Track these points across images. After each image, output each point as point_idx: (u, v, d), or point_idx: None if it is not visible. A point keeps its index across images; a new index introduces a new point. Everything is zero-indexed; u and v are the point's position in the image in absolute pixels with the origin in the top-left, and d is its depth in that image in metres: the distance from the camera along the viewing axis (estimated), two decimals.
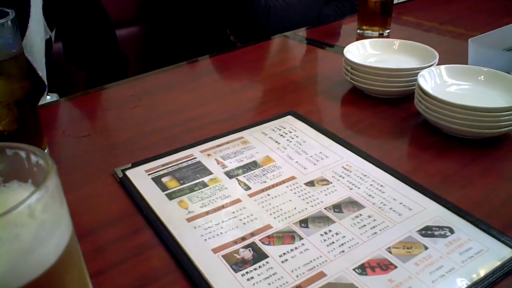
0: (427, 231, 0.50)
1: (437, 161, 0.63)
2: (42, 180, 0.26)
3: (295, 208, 0.54)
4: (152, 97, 0.83)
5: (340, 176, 0.59)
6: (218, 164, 0.62)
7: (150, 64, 1.51)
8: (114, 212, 0.55)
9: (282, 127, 0.70)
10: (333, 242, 0.49)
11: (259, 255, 0.47)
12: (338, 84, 0.84)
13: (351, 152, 0.64)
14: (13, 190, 0.29)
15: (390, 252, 0.47)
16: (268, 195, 0.56)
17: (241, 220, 0.52)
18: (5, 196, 0.29)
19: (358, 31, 1.11)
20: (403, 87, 0.76)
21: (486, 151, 0.64)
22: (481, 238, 0.49)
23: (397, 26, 1.13)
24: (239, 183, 0.58)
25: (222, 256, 0.47)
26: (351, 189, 0.57)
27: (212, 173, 0.60)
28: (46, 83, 0.98)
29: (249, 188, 0.57)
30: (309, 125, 0.70)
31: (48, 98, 1.02)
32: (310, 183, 0.58)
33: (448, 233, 0.49)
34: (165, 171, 0.61)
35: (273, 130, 0.70)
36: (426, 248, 0.48)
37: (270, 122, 0.72)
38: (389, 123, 0.72)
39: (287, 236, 0.50)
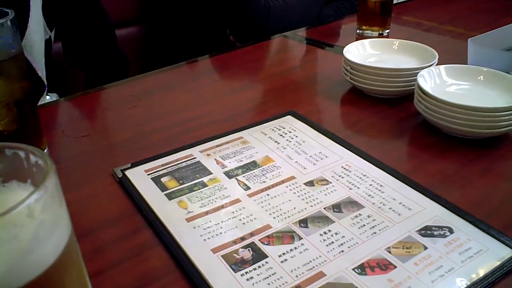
0: (427, 231, 0.50)
1: (437, 161, 0.63)
2: (41, 180, 0.26)
3: (294, 208, 0.54)
4: (151, 97, 0.83)
5: (340, 176, 0.59)
6: (218, 164, 0.62)
7: (149, 64, 1.51)
8: (113, 212, 0.55)
9: (281, 127, 0.70)
10: (332, 242, 0.49)
11: (259, 255, 0.47)
12: (338, 84, 0.84)
13: (350, 152, 0.64)
14: (12, 190, 0.29)
15: (390, 252, 0.47)
16: (268, 195, 0.56)
17: (240, 220, 0.52)
18: (4, 196, 0.29)
19: (358, 31, 1.11)
20: (402, 87, 0.76)
21: (485, 151, 0.64)
22: (480, 238, 0.49)
23: (397, 26, 1.13)
24: (238, 183, 0.58)
25: (222, 256, 0.47)
26: (350, 189, 0.57)
27: (211, 173, 0.60)
28: (46, 83, 0.98)
29: (248, 188, 0.57)
30: (308, 125, 0.70)
31: (48, 98, 1.02)
32: (310, 183, 0.58)
33: (448, 233, 0.49)
34: (165, 171, 0.61)
35: (273, 130, 0.70)
36: (425, 248, 0.48)
37: (270, 122, 0.72)
38: (389, 123, 0.72)
39: (286, 236, 0.50)
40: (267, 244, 0.49)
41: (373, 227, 0.51)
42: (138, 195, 0.57)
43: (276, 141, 0.67)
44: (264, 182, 0.58)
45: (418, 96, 0.69)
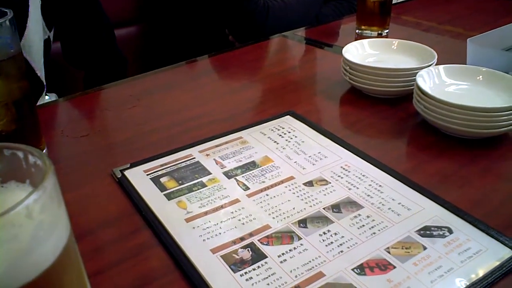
0: (426, 231, 0.50)
1: (436, 161, 0.63)
2: (40, 180, 0.26)
3: (293, 208, 0.54)
4: (151, 97, 0.83)
5: (339, 176, 0.59)
6: (217, 164, 0.62)
7: (149, 64, 1.51)
8: (112, 212, 0.55)
9: (280, 127, 0.70)
10: (331, 242, 0.49)
11: (258, 255, 0.47)
12: (337, 84, 0.84)
13: (349, 152, 0.64)
14: (11, 190, 0.29)
15: (389, 252, 0.47)
16: (267, 195, 0.56)
17: (239, 220, 0.52)
18: (3, 197, 0.29)
19: (357, 31, 1.11)
20: (401, 87, 0.76)
21: (484, 151, 0.64)
22: (479, 238, 0.49)
23: (396, 26, 1.13)
24: (237, 183, 0.58)
25: (221, 256, 0.47)
26: (349, 189, 0.57)
27: (210, 173, 0.60)
28: (45, 83, 0.98)
29: (247, 188, 0.57)
30: (307, 125, 0.70)
31: (47, 98, 1.02)
32: (309, 183, 0.58)
33: (447, 233, 0.49)
34: (164, 171, 0.61)
35: (272, 130, 0.70)
36: (424, 248, 0.48)
37: (269, 122, 0.72)
38: (388, 123, 0.72)
39: (285, 236, 0.50)
40: (266, 244, 0.49)
41: (372, 227, 0.51)
42: (137, 195, 0.57)
43: (275, 141, 0.67)
44: (263, 182, 0.58)
45: (417, 96, 0.69)
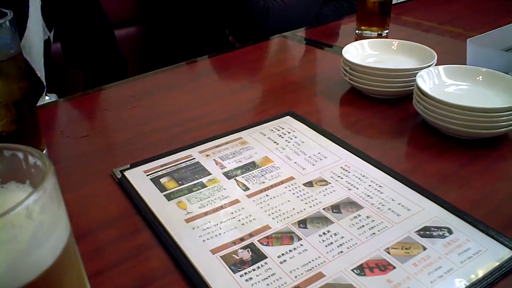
0: (426, 232, 0.50)
1: (436, 161, 0.63)
2: (40, 181, 0.26)
3: (293, 209, 0.54)
4: (151, 98, 0.83)
5: (339, 176, 0.59)
6: (217, 164, 0.62)
7: (149, 65, 1.51)
8: (112, 212, 0.55)
9: (280, 127, 0.70)
10: (331, 243, 0.49)
11: (258, 256, 0.47)
12: (337, 85, 0.84)
13: (349, 153, 0.64)
14: (11, 191, 0.29)
15: (389, 253, 0.47)
16: (267, 195, 0.56)
17: (239, 220, 0.52)
18: (2, 197, 0.29)
19: (357, 31, 1.11)
20: (401, 88, 0.76)
21: (484, 151, 0.64)
22: (479, 238, 0.49)
23: (396, 26, 1.14)
24: (237, 184, 0.58)
25: (221, 256, 0.47)
26: (349, 189, 0.57)
27: (210, 174, 0.60)
28: (45, 84, 0.98)
29: (247, 188, 0.57)
30: (307, 125, 0.70)
31: (47, 98, 1.02)
32: (309, 184, 0.58)
33: (447, 234, 0.49)
34: (164, 171, 0.61)
35: (272, 130, 0.70)
36: (424, 248, 0.48)
37: (269, 123, 0.72)
38: (388, 124, 0.72)
39: (285, 237, 0.50)
40: (266, 245, 0.49)
41: (372, 227, 0.51)
42: (137, 195, 0.57)
43: (275, 142, 0.67)
44: (263, 182, 0.58)
45: (417, 96, 0.69)
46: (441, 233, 0.50)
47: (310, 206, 0.54)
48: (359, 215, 0.52)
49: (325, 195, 0.56)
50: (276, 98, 0.83)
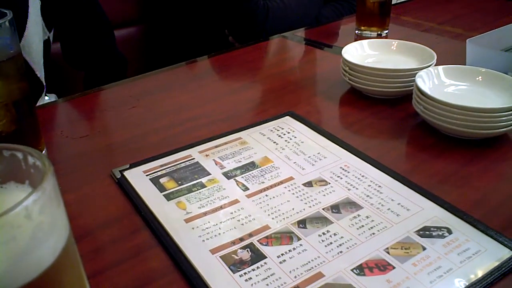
0: (425, 232, 0.50)
1: (435, 161, 0.63)
2: (39, 181, 0.26)
3: (293, 209, 0.54)
4: (150, 98, 0.83)
5: (338, 176, 0.59)
6: (216, 164, 0.62)
7: (148, 65, 1.51)
8: (112, 213, 0.55)
9: (280, 127, 0.70)
10: (331, 243, 0.49)
11: (257, 256, 0.47)
12: (336, 85, 0.84)
13: (349, 153, 0.64)
14: (10, 191, 0.29)
15: (388, 253, 0.47)
16: (266, 195, 0.56)
17: (239, 220, 0.52)
18: (2, 198, 0.29)
19: (356, 31, 1.11)
20: (401, 88, 0.76)
21: (484, 152, 0.64)
22: (479, 238, 0.49)
23: (396, 27, 1.14)
24: (237, 184, 0.58)
25: (220, 257, 0.47)
26: (349, 189, 0.57)
27: (210, 174, 0.60)
28: (44, 84, 0.98)
29: (247, 188, 0.57)
30: (307, 125, 0.70)
31: (46, 98, 1.02)
32: (308, 184, 0.58)
33: (446, 234, 0.50)
34: (163, 171, 0.61)
35: (271, 130, 0.70)
36: (424, 248, 0.48)
37: (268, 123, 0.72)
38: (387, 124, 0.72)
39: (285, 237, 0.50)
40: (265, 245, 0.49)
41: (371, 227, 0.51)
42: (136, 195, 0.57)
43: (274, 142, 0.67)
44: (263, 182, 0.58)
45: (416, 96, 0.69)
46: (440, 233, 0.50)
47: (310, 206, 0.54)
48: (358, 215, 0.52)
49: (324, 195, 0.56)
50: (276, 98, 0.83)
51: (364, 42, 0.87)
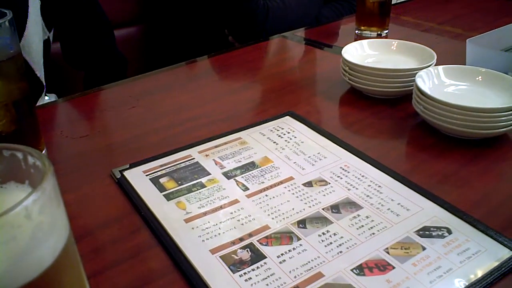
0: (425, 232, 0.50)
1: (435, 161, 0.63)
2: (39, 181, 0.26)
3: (293, 209, 0.54)
4: (150, 98, 0.83)
5: (338, 176, 0.59)
6: (216, 164, 0.62)
7: (148, 65, 1.51)
8: (112, 213, 0.55)
9: (280, 127, 0.70)
10: (331, 243, 0.49)
11: (257, 256, 0.47)
12: (336, 85, 0.84)
13: (349, 153, 0.64)
14: (10, 191, 0.29)
15: (388, 253, 0.47)
16: (266, 195, 0.56)
17: (239, 220, 0.52)
18: (2, 197, 0.29)
19: (356, 31, 1.11)
20: (401, 88, 0.76)
21: (484, 152, 0.64)
22: (479, 238, 0.49)
23: (396, 27, 1.14)
24: (237, 184, 0.58)
25: (220, 257, 0.47)
26: (349, 189, 0.57)
27: (210, 174, 0.60)
28: (44, 84, 0.98)
29: (247, 188, 0.57)
30: (307, 125, 0.70)
31: (46, 98, 1.02)
32: (308, 184, 0.58)
33: (446, 234, 0.50)
34: (163, 171, 0.61)
35: (271, 130, 0.70)
36: (424, 248, 0.48)
37: (268, 123, 0.72)
38: (387, 124, 0.72)
39: (285, 237, 0.50)
40: (265, 245, 0.49)
41: (371, 227, 0.51)
42: (136, 195, 0.57)
43: (274, 142, 0.67)
44: (263, 182, 0.58)
45: (416, 96, 0.69)
46: (440, 233, 0.50)
47: (310, 206, 0.54)
48: (358, 215, 0.52)
49: (324, 195, 0.56)
50: (276, 98, 0.83)
51: (364, 42, 0.87)
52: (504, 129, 0.63)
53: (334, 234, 0.50)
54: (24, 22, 0.88)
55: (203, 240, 0.49)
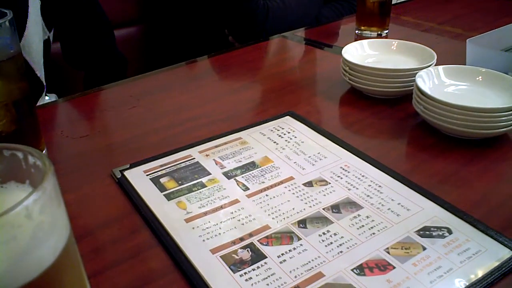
0: (425, 232, 0.50)
1: (436, 161, 0.63)
2: (39, 181, 0.26)
3: (293, 209, 0.54)
4: (150, 98, 0.83)
5: (339, 176, 0.59)
6: (217, 164, 0.62)
7: (149, 65, 1.51)
8: (112, 212, 0.55)
9: (280, 127, 0.70)
10: (331, 243, 0.49)
11: (258, 256, 0.47)
12: (337, 85, 0.84)
13: (349, 153, 0.64)
14: (11, 191, 0.29)
15: (388, 253, 0.47)
16: (267, 195, 0.56)
17: (239, 220, 0.52)
18: (2, 197, 0.29)
19: (357, 31, 1.11)
20: (401, 88, 0.76)
21: (484, 152, 0.64)
22: (479, 238, 0.49)
23: (396, 26, 1.14)
24: (237, 184, 0.58)
25: (221, 256, 0.47)
26: (349, 189, 0.57)
27: (210, 174, 0.60)
28: (45, 84, 0.98)
29: (247, 188, 0.57)
30: (307, 125, 0.70)
31: (47, 98, 1.02)
32: (309, 184, 0.58)
33: (446, 234, 0.50)
34: (164, 171, 0.61)
35: (272, 130, 0.70)
36: (424, 248, 0.48)
37: (269, 123, 0.72)
38: (388, 124, 0.72)
39: (285, 237, 0.50)
40: (266, 245, 0.49)
41: (371, 227, 0.51)
42: (137, 195, 0.57)
43: (275, 142, 0.67)
44: (263, 182, 0.58)
45: (416, 96, 0.69)
46: (440, 233, 0.50)
47: (310, 206, 0.54)
48: (358, 215, 0.52)
49: (324, 195, 0.56)
50: (276, 98, 0.83)
51: (364, 42, 0.87)
52: (504, 129, 0.63)
53: (335, 234, 0.50)
54: (24, 22, 0.88)
55: (203, 240, 0.49)
